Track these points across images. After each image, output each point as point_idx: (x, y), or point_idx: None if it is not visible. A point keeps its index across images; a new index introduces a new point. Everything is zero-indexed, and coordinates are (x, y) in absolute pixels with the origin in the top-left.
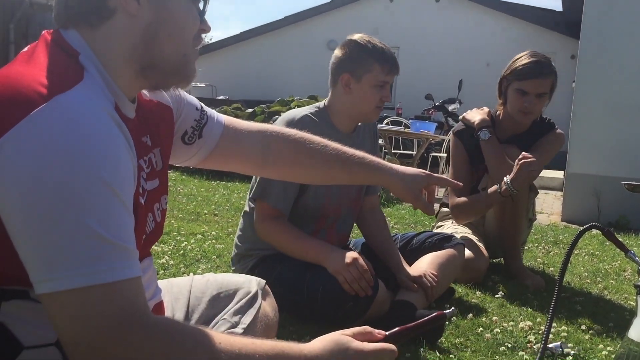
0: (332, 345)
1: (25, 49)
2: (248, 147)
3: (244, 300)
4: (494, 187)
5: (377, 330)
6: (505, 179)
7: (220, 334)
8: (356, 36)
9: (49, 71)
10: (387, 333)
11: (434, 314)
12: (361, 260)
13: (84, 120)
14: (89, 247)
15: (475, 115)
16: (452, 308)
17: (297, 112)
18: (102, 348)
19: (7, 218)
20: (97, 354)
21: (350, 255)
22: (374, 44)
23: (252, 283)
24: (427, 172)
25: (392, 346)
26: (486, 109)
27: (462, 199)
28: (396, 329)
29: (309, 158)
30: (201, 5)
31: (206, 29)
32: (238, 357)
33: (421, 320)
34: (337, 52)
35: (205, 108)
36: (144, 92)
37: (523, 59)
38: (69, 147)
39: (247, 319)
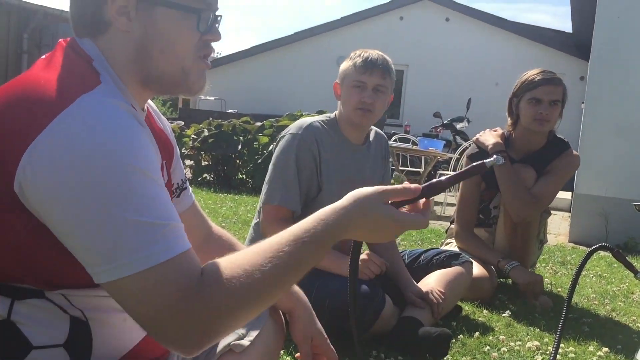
0: (359, 208)
1: (43, 56)
2: (197, 232)
3: None
4: (496, 259)
5: (412, 186)
6: (509, 265)
7: (250, 250)
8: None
9: (70, 74)
10: (422, 186)
11: (473, 164)
12: (373, 255)
13: (110, 115)
14: (137, 234)
15: (489, 138)
16: (496, 156)
17: (307, 119)
18: (174, 322)
19: (50, 216)
20: (171, 328)
21: (362, 256)
22: (359, 51)
23: None
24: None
25: (422, 219)
26: (499, 130)
27: (466, 235)
28: (430, 182)
29: None
30: (204, 18)
31: (214, 38)
32: (279, 258)
33: (460, 171)
34: None
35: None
36: (156, 118)
37: (531, 72)
38: (102, 142)
39: (253, 332)
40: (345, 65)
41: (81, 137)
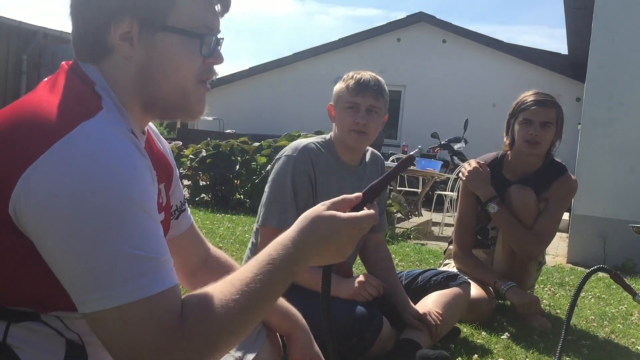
0: (307, 223)
1: (46, 79)
2: (194, 253)
3: (249, 336)
4: (493, 280)
5: (353, 195)
6: (505, 286)
7: (226, 284)
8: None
9: (72, 99)
10: (361, 193)
11: (403, 158)
12: (370, 277)
13: (110, 144)
14: (129, 266)
15: (477, 184)
16: (420, 146)
17: (303, 141)
18: (152, 357)
19: (42, 241)
20: None
21: (359, 278)
22: (351, 73)
23: None
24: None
25: (370, 212)
26: (489, 155)
27: (464, 256)
28: (368, 186)
29: None
30: (206, 42)
31: (217, 61)
32: (249, 291)
33: (391, 169)
34: None
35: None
36: (156, 140)
37: (526, 94)
38: (99, 171)
39: (250, 355)
40: (338, 87)
41: (79, 165)
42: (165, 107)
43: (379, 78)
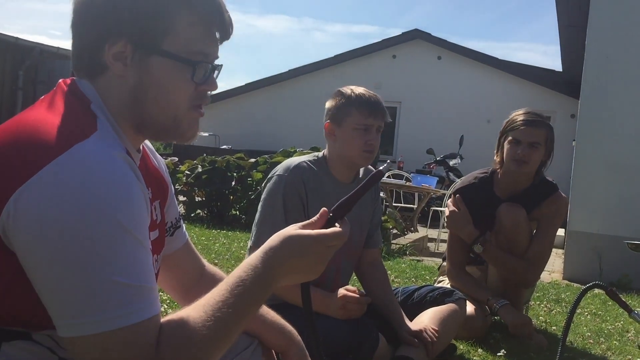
0: (276, 243)
1: (43, 97)
2: (189, 270)
3: (245, 352)
4: (486, 297)
5: (320, 211)
6: (498, 304)
7: (199, 310)
8: (342, 87)
9: (67, 119)
10: (331, 209)
11: (372, 174)
12: (349, 294)
13: (103, 167)
14: (111, 293)
15: (461, 229)
16: (388, 161)
17: (295, 159)
18: None
19: (27, 262)
20: None
21: (339, 299)
22: (353, 91)
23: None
24: None
25: (338, 230)
26: (477, 170)
27: (457, 273)
28: (337, 203)
29: None
30: (199, 70)
31: (210, 88)
32: (222, 316)
33: (360, 186)
34: (326, 104)
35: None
36: (151, 156)
37: (517, 113)
38: (90, 195)
39: None
40: (337, 104)
41: (69, 188)
42: (156, 130)
43: (377, 94)
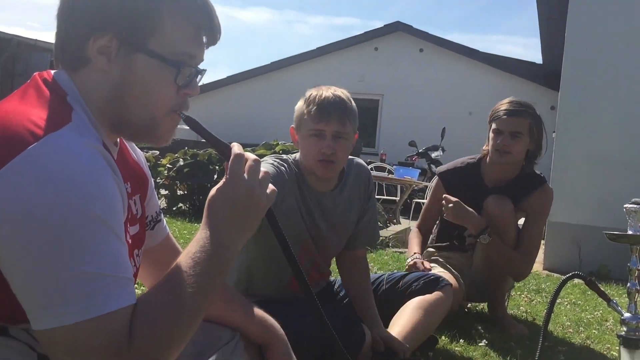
0: (206, 209)
1: (17, 89)
2: (169, 264)
3: (226, 347)
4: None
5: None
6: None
7: (164, 282)
8: (313, 88)
9: (40, 110)
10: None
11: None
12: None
13: (76, 158)
14: (83, 283)
15: (463, 216)
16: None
17: (266, 165)
18: None
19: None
20: None
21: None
22: (312, 93)
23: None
24: None
25: (235, 151)
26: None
27: (419, 232)
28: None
29: None
30: (183, 72)
31: (192, 93)
32: (188, 297)
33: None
34: None
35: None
36: (129, 148)
37: (501, 102)
38: (62, 185)
39: None
40: (299, 107)
41: (39, 177)
42: (133, 130)
43: (344, 96)
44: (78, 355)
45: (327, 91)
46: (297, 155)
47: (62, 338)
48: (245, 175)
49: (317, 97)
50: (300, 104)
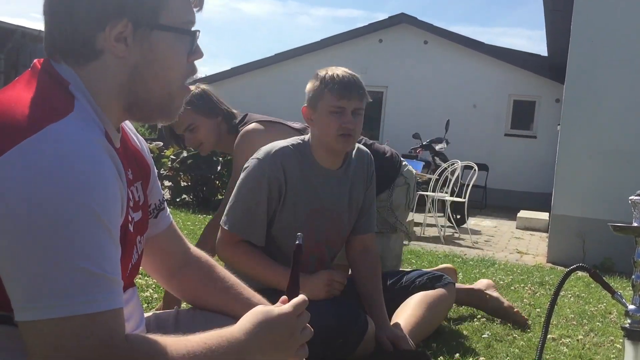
0: (254, 317)
1: (17, 78)
2: (174, 253)
3: None
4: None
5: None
6: None
7: (173, 340)
8: (321, 69)
9: (41, 100)
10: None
11: (294, 251)
12: (338, 276)
13: (75, 150)
14: (73, 278)
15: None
16: (299, 233)
17: (278, 144)
18: None
19: None
20: None
21: (325, 277)
22: (328, 72)
23: None
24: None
25: (303, 298)
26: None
27: None
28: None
29: (213, 295)
30: (194, 40)
31: (198, 56)
32: (190, 354)
33: (292, 269)
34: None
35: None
36: (132, 137)
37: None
38: (59, 177)
39: None
40: (314, 87)
41: (39, 168)
42: (148, 109)
43: (357, 75)
44: (63, 352)
45: (340, 70)
46: (309, 135)
47: (47, 332)
48: (298, 319)
49: (335, 75)
50: (314, 84)
